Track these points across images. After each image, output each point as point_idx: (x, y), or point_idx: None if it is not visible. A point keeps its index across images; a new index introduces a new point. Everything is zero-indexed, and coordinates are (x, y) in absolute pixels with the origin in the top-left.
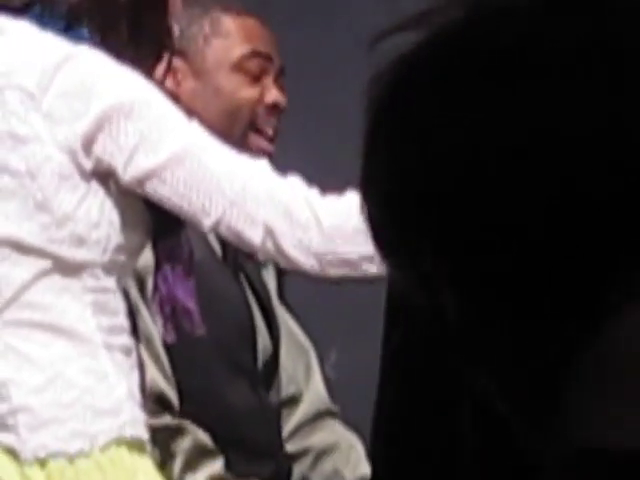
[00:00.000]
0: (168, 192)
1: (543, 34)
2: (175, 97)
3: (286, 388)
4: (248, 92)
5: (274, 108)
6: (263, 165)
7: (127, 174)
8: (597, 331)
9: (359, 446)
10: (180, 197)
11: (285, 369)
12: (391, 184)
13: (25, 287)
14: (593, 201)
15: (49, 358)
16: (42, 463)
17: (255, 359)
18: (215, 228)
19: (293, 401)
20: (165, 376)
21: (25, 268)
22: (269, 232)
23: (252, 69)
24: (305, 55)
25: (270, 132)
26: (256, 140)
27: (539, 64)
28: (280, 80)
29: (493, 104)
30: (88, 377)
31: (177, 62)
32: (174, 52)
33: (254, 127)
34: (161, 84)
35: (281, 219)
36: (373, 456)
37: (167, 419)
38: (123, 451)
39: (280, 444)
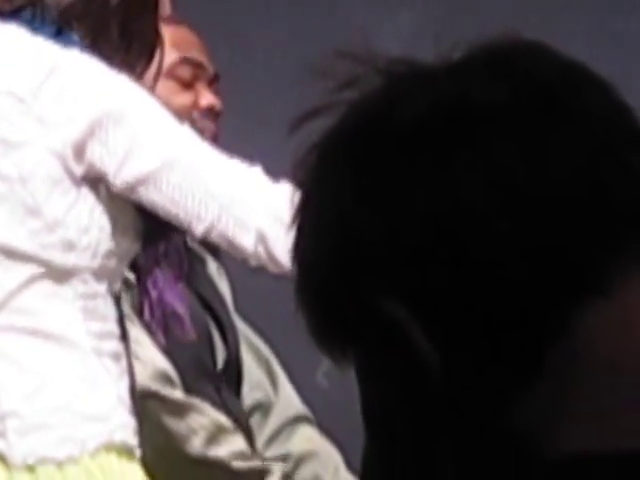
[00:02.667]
0: (159, 198)
1: (468, 96)
2: None
3: (251, 394)
4: (181, 98)
5: (209, 111)
6: (256, 170)
7: (118, 180)
8: (566, 331)
9: (336, 454)
10: (172, 203)
11: (249, 375)
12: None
13: (15, 292)
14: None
15: (38, 364)
16: (31, 469)
17: (214, 364)
18: (207, 234)
19: (263, 407)
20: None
21: (15, 273)
22: (261, 238)
23: (184, 76)
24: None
25: (209, 135)
26: None
27: (468, 129)
28: (214, 86)
29: (420, 175)
30: (77, 383)
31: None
32: (163, 59)
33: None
34: None
35: (273, 225)
36: None
37: (178, 394)
38: (112, 457)
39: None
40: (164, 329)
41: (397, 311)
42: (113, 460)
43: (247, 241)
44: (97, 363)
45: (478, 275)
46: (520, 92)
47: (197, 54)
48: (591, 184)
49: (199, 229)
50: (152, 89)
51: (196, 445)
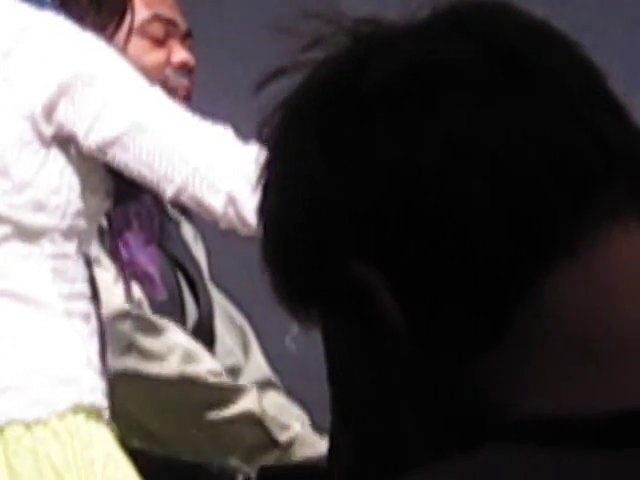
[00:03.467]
0: (129, 159)
1: (432, 59)
2: None
3: (224, 359)
4: (154, 56)
5: (183, 68)
6: (226, 132)
7: (88, 141)
8: (531, 290)
9: (304, 417)
10: (142, 164)
11: (222, 342)
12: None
13: None
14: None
15: (8, 325)
16: None
17: (184, 325)
18: (177, 196)
19: (234, 372)
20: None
21: None
22: (231, 200)
23: (155, 33)
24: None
25: (183, 92)
26: None
27: (432, 86)
28: (188, 42)
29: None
30: (47, 345)
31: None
32: (134, 18)
33: (166, 89)
34: None
35: (243, 187)
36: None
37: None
38: (80, 419)
39: None
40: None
41: (363, 272)
42: (81, 422)
43: (217, 203)
44: (67, 324)
45: (443, 236)
46: (483, 54)
47: (169, 11)
48: (555, 144)
49: (169, 191)
50: (123, 50)
51: (173, 362)
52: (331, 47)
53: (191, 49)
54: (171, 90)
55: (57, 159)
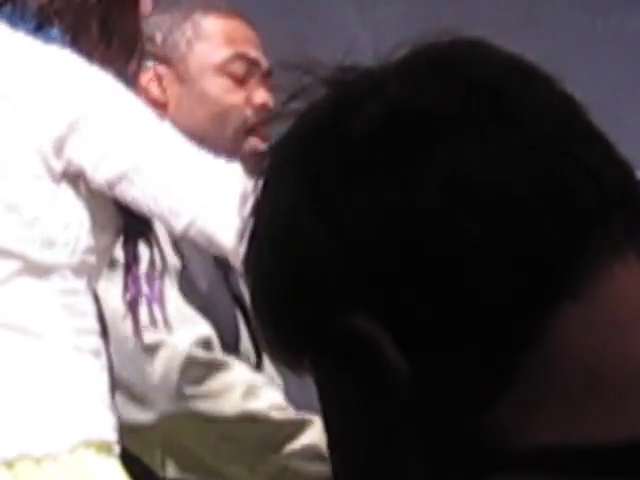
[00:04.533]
0: (138, 195)
1: (418, 103)
2: (162, 105)
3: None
4: (234, 96)
5: (263, 108)
6: (235, 168)
7: (97, 177)
8: (536, 335)
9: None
10: (150, 200)
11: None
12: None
13: None
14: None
15: (17, 360)
16: (9, 465)
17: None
18: (186, 231)
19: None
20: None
21: None
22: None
23: (237, 72)
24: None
25: (264, 131)
26: (250, 141)
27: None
28: (267, 81)
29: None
30: (57, 380)
31: (161, 69)
32: (144, 53)
33: (246, 129)
34: (146, 92)
35: None
36: None
37: (216, 354)
38: (91, 453)
39: None
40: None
41: (364, 324)
42: (91, 456)
43: (227, 238)
44: (77, 360)
45: (444, 284)
46: (469, 95)
47: (252, 50)
48: (550, 185)
49: (177, 226)
50: (133, 84)
51: (234, 399)
52: (312, 97)
53: (270, 89)
54: (250, 130)
55: (67, 195)
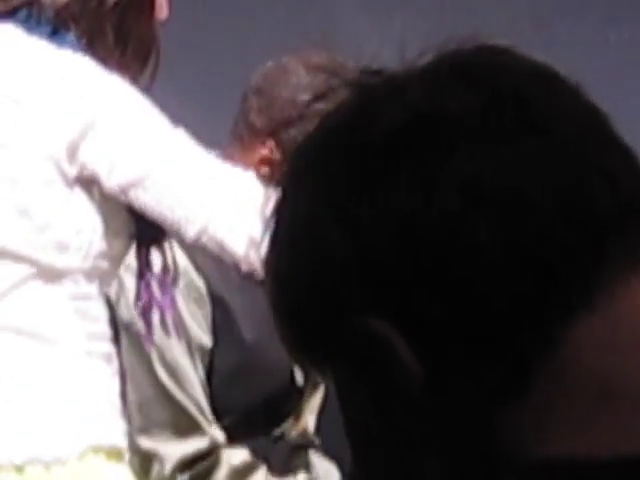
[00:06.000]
0: (150, 200)
1: (441, 108)
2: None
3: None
4: None
5: None
6: (249, 175)
7: (110, 182)
8: (552, 345)
9: (335, 474)
10: (163, 206)
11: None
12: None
13: (6, 293)
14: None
15: (29, 365)
16: (19, 469)
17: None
18: (198, 237)
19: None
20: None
21: (6, 274)
22: (252, 242)
23: None
24: None
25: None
26: None
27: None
28: None
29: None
30: (68, 385)
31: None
32: (159, 58)
33: None
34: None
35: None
36: None
37: (198, 443)
38: (100, 459)
39: None
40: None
41: (378, 326)
42: (101, 462)
43: (238, 245)
44: (88, 364)
45: (458, 287)
46: (491, 102)
47: None
48: (571, 195)
49: (190, 232)
50: (147, 90)
51: None
52: (336, 99)
53: None
54: None
55: (80, 200)
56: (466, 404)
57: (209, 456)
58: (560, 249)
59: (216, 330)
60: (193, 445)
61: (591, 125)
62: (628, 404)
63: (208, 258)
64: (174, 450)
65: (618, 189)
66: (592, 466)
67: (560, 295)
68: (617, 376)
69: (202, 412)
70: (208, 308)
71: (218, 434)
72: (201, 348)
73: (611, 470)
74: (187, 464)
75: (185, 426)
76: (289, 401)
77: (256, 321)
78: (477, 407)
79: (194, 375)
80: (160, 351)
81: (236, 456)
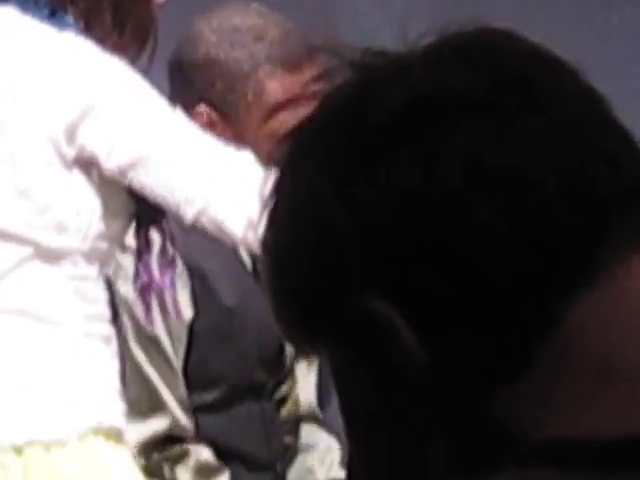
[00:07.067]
0: (150, 182)
1: (445, 89)
2: None
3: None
4: None
5: None
6: (247, 156)
7: (109, 163)
8: (554, 323)
9: (336, 449)
10: (162, 187)
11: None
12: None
13: (5, 274)
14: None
15: (28, 346)
16: (18, 450)
17: (271, 378)
18: (197, 218)
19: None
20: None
21: (5, 255)
22: (251, 224)
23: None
24: None
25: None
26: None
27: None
28: None
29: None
30: (67, 366)
31: (215, 116)
32: (157, 40)
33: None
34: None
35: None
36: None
37: (156, 424)
38: (100, 440)
39: (279, 456)
40: (161, 311)
41: (378, 305)
42: (101, 443)
43: (237, 227)
44: (87, 346)
45: (463, 267)
46: (493, 82)
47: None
48: (574, 176)
49: (189, 213)
50: (145, 72)
51: None
52: (338, 79)
53: None
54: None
55: (79, 181)
56: (468, 385)
57: (175, 443)
58: (563, 229)
59: (196, 299)
60: (150, 427)
61: (592, 107)
62: (628, 384)
63: (179, 229)
64: (132, 435)
65: (620, 171)
66: (592, 446)
67: (562, 274)
68: (617, 355)
69: (176, 388)
70: (186, 279)
71: (183, 418)
72: (183, 322)
73: (611, 450)
74: (148, 446)
75: (147, 405)
76: (285, 357)
77: (234, 285)
78: (479, 388)
79: (172, 352)
80: (137, 327)
81: (202, 454)
